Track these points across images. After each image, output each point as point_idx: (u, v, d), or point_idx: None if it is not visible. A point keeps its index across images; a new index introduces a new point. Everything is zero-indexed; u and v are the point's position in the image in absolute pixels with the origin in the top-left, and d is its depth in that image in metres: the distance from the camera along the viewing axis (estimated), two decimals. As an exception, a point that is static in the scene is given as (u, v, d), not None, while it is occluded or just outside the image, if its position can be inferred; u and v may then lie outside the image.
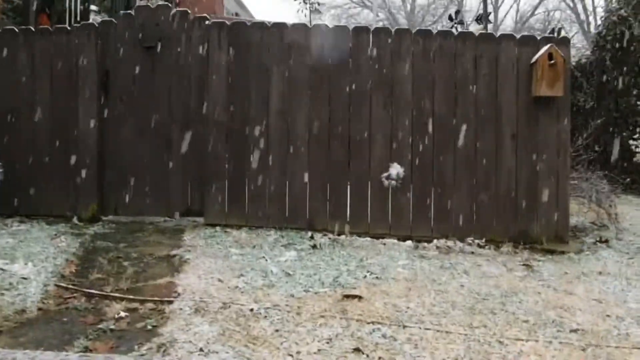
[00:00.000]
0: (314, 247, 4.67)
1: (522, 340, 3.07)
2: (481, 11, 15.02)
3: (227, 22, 5.52)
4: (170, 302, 3.37)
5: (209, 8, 16.13)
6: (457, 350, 2.91)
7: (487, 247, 5.13)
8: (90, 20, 7.17)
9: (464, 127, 5.28)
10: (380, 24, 30.09)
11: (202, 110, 5.39)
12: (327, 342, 2.94)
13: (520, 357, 2.88)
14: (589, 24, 29.97)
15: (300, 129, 5.32)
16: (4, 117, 5.44)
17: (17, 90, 5.48)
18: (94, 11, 7.89)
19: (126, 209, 5.50)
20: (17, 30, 5.63)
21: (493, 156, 5.28)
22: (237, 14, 19.65)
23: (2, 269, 3.71)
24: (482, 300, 3.64)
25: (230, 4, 19.62)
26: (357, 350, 2.87)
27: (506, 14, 32.44)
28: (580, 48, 18.53)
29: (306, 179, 5.29)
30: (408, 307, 3.43)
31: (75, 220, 5.30)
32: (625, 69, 9.99)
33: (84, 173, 5.40)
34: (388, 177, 5.31)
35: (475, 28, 15.18)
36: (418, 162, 5.28)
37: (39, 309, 3.31)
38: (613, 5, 10.90)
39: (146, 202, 5.48)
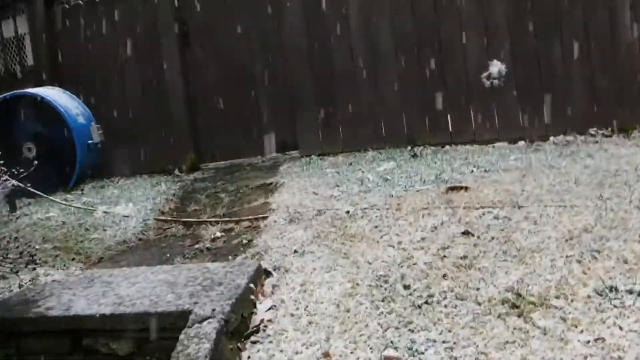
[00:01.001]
0: (414, 156, 4.33)
1: (668, 203, 2.58)
2: None
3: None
4: (265, 218, 3.22)
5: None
6: (586, 221, 2.50)
7: (614, 135, 4.51)
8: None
9: (570, 5, 4.63)
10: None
11: (281, 40, 5.18)
12: (432, 230, 2.65)
13: (666, 218, 2.41)
14: None
15: (385, 41, 4.94)
16: (95, 84, 5.58)
17: (105, 55, 5.59)
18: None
19: (223, 154, 5.48)
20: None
21: (608, 35, 4.59)
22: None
23: (105, 212, 3.78)
24: (612, 176, 3.15)
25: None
26: (466, 233, 2.56)
27: None
28: None
29: (399, 93, 4.94)
30: (523, 190, 3.03)
31: (176, 171, 5.35)
32: None
33: (177, 124, 5.43)
34: (489, 77, 4.81)
35: None
36: (521, 55, 4.72)
37: (139, 239, 3.32)
38: None
39: (241, 143, 5.41)
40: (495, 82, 4.80)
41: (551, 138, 4.64)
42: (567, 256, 2.22)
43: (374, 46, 4.97)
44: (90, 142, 5.07)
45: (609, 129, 4.61)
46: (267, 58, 5.29)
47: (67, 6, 5.72)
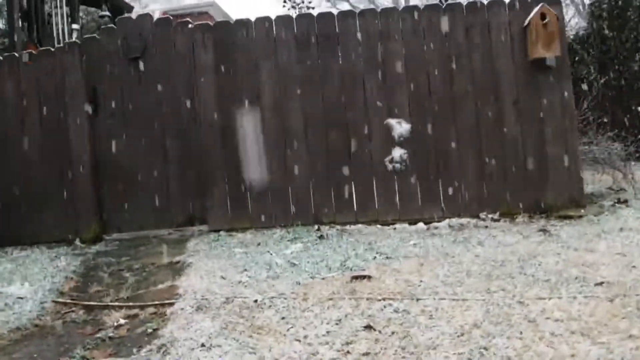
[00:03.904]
0: (321, 237, 4.50)
1: (544, 298, 2.87)
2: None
3: (211, 24, 5.42)
4: (172, 304, 3.21)
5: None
6: (476, 316, 2.72)
7: (501, 220, 4.93)
8: (74, 39, 7.11)
9: (463, 100, 5.10)
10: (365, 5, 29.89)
11: (193, 115, 5.26)
12: (337, 324, 2.76)
13: (543, 314, 2.68)
14: (584, 5, 29.52)
15: (295, 121, 5.16)
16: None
17: (5, 118, 5.40)
18: (77, 30, 7.84)
19: (129, 225, 5.37)
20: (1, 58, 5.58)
21: (496, 126, 5.09)
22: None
23: (-2, 292, 3.59)
24: (499, 267, 3.44)
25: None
26: (368, 327, 2.69)
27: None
28: (574, 22, 18.30)
29: (307, 173, 5.13)
30: (421, 281, 3.24)
31: (77, 242, 5.18)
32: (624, 35, 9.77)
33: (81, 193, 5.29)
34: (391, 161, 5.13)
35: None
36: (420, 142, 5.10)
37: (35, 325, 3.17)
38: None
39: (148, 216, 5.34)
40: (397, 165, 5.14)
41: (447, 220, 4.99)
42: (459, 353, 2.40)
43: (283, 125, 5.17)
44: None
45: (497, 213, 5.04)
46: (179, 131, 5.33)
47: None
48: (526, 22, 4.92)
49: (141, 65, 5.32)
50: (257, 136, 5.16)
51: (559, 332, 2.49)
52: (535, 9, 4.85)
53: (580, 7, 30.26)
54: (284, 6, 11.10)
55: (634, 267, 3.29)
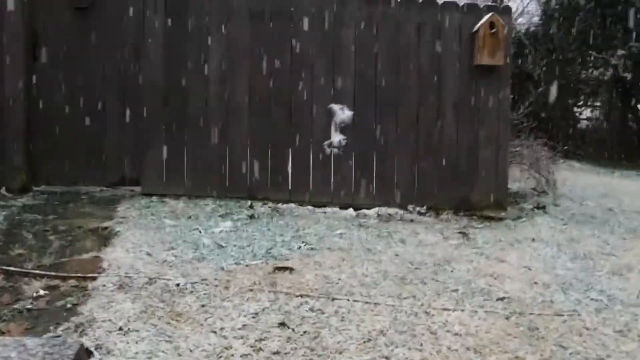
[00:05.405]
0: (252, 217, 4.59)
1: (449, 310, 3.10)
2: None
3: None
4: (94, 279, 3.24)
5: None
6: (384, 323, 2.91)
7: (427, 214, 5.18)
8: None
9: (406, 94, 5.23)
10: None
11: (138, 74, 5.16)
12: (253, 317, 2.89)
13: (445, 327, 2.90)
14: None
15: (240, 94, 5.15)
16: None
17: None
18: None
19: (60, 178, 5.28)
20: None
21: (435, 124, 5.27)
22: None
23: None
24: (414, 270, 3.66)
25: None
26: (282, 324, 2.83)
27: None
28: (532, 15, 18.66)
29: (247, 148, 5.17)
30: (339, 279, 3.41)
31: (3, 190, 5.05)
32: (571, 38, 10.12)
33: (11, 141, 5.13)
34: (330, 145, 5.24)
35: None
36: (360, 130, 5.22)
37: (-52, 290, 3.14)
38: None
39: (81, 171, 5.26)
40: (335, 150, 5.25)
41: (377, 208, 5.19)
42: (362, 360, 2.58)
43: (229, 96, 5.15)
44: None
45: (425, 207, 5.28)
46: (122, 90, 5.22)
47: None
48: (475, 28, 5.05)
49: (89, 17, 5.13)
50: (201, 106, 5.13)
51: (455, 347, 2.72)
52: (485, 17, 4.99)
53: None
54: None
55: (535, 283, 3.58)
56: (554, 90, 9.63)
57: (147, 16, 5.06)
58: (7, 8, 5.05)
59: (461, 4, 5.21)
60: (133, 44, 5.17)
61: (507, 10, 5.39)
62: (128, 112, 5.22)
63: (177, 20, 5.08)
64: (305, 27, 5.13)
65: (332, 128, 5.21)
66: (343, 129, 5.22)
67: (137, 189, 5.22)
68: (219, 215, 4.58)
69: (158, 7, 5.05)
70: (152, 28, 5.07)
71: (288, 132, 5.19)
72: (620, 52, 10.06)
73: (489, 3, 6.16)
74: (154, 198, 4.98)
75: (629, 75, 10.14)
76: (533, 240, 4.52)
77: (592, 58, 10.51)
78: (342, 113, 5.20)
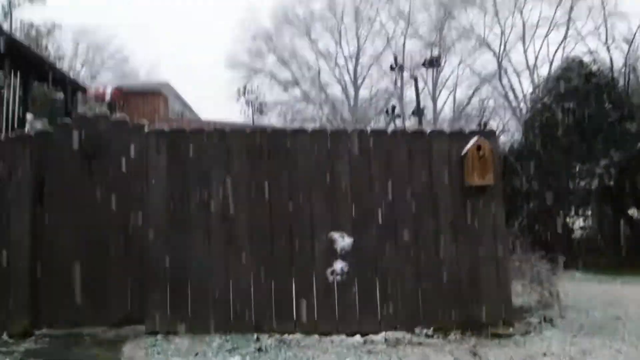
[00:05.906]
0: (260, 350, 4.53)
1: None
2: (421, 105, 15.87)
3: (166, 129, 5.57)
4: None
5: (154, 108, 16.40)
6: None
7: (435, 336, 5.11)
8: (26, 130, 7.13)
9: (403, 219, 5.38)
10: (324, 119, 31.16)
11: (141, 215, 5.32)
12: None
13: None
14: (520, 110, 31.66)
15: (241, 231, 5.29)
16: None
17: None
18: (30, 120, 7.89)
19: (62, 321, 5.23)
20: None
21: (433, 245, 5.38)
22: (182, 114, 19.97)
23: None
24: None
25: (176, 103, 19.99)
26: None
27: (444, 103, 33.85)
28: (513, 132, 19.60)
29: (250, 280, 5.21)
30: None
31: (4, 336, 4.99)
32: (553, 152, 10.58)
33: (15, 285, 5.17)
34: (333, 272, 5.29)
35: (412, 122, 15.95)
36: (361, 255, 5.30)
37: None
38: (538, 94, 11.73)
39: (84, 311, 5.24)
40: (338, 277, 5.29)
41: (383, 333, 5.13)
42: None
43: (230, 232, 5.28)
44: None
45: (432, 329, 5.22)
46: (124, 229, 5.36)
47: None
48: (464, 151, 5.33)
49: (93, 164, 5.40)
50: (204, 242, 5.24)
51: None
52: (472, 141, 5.28)
53: (517, 111, 32.53)
54: (238, 100, 11.48)
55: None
56: (544, 204, 9.89)
57: (150, 159, 5.30)
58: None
59: (448, 132, 5.50)
60: (137, 185, 5.37)
61: (492, 133, 5.72)
62: (131, 251, 5.30)
63: (178, 162, 5.31)
64: (302, 161, 5.37)
65: (333, 256, 5.30)
66: (344, 255, 5.31)
67: (141, 327, 5.16)
68: (227, 350, 4.52)
69: (160, 150, 5.31)
70: (154, 170, 5.28)
71: (290, 262, 5.25)
72: (603, 162, 10.47)
73: (474, 129, 6.52)
74: (159, 337, 4.93)
75: (612, 184, 10.46)
76: (544, 355, 4.45)
77: (577, 170, 10.90)
78: (342, 240, 5.32)
